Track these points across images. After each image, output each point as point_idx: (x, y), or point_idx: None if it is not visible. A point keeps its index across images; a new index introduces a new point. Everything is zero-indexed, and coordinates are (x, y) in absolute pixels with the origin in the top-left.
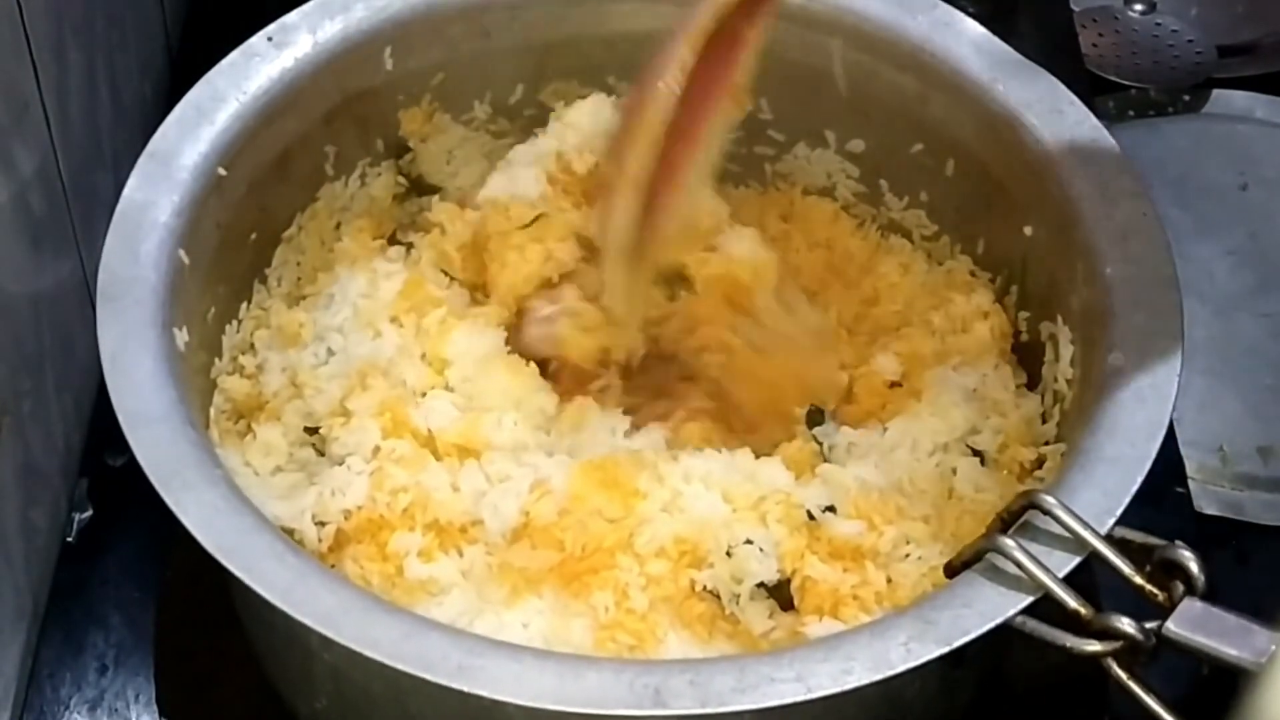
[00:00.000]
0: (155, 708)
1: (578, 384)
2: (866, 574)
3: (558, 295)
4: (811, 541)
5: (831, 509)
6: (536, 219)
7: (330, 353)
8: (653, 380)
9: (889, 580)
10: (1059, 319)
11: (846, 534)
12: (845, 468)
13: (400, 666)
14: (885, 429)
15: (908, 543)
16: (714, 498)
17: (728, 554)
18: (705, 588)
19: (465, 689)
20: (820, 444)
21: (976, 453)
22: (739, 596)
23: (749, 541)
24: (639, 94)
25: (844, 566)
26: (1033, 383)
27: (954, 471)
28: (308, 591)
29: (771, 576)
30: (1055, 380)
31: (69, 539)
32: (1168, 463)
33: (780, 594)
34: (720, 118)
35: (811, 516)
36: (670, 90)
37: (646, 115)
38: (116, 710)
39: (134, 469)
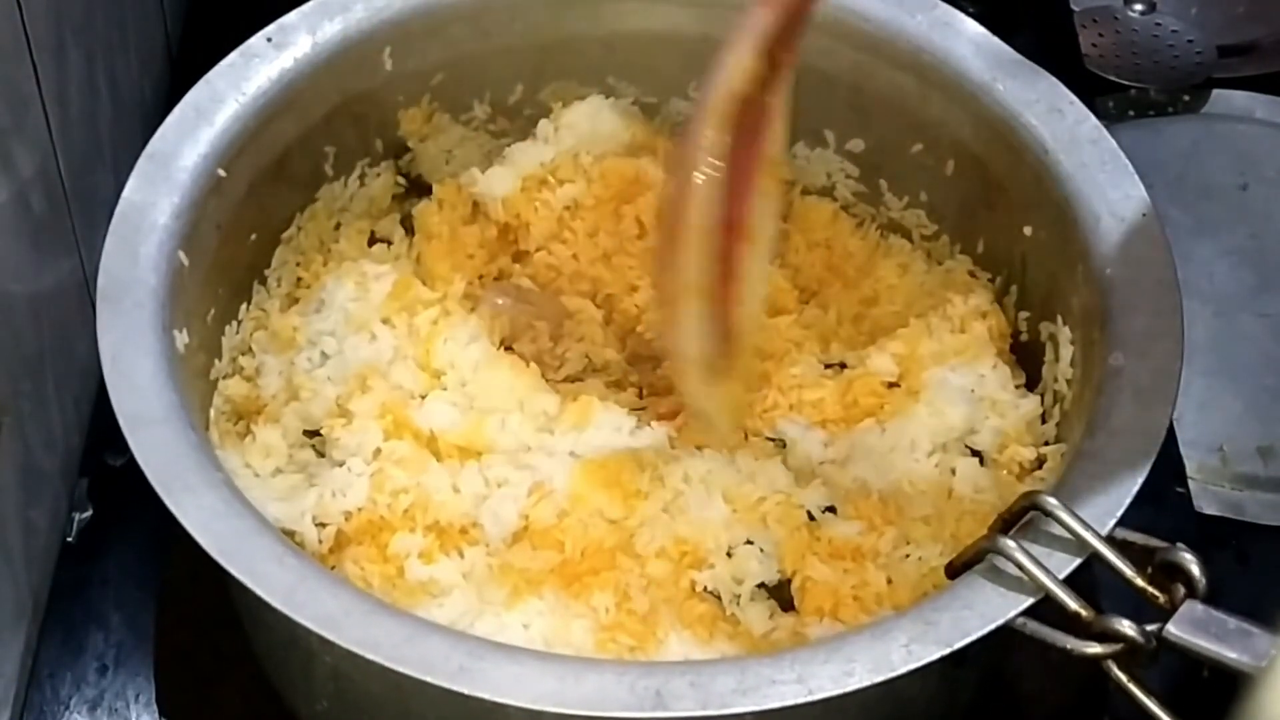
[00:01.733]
0: (155, 708)
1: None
2: (867, 574)
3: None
4: (812, 542)
5: (831, 510)
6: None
7: (324, 356)
8: (659, 378)
9: (889, 581)
10: (1059, 319)
11: (846, 534)
12: (844, 468)
13: (401, 669)
14: (884, 430)
15: (908, 543)
16: (714, 498)
17: (728, 555)
18: (706, 589)
19: (466, 691)
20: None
21: (976, 453)
22: (739, 597)
23: (749, 542)
24: (676, 189)
25: (844, 567)
26: (1032, 383)
27: (953, 472)
28: (308, 594)
29: (772, 577)
30: (1055, 380)
31: (69, 539)
32: (1168, 463)
33: (781, 594)
34: (764, 198)
35: (812, 517)
36: (708, 177)
37: (690, 212)
38: (116, 710)
39: (134, 469)
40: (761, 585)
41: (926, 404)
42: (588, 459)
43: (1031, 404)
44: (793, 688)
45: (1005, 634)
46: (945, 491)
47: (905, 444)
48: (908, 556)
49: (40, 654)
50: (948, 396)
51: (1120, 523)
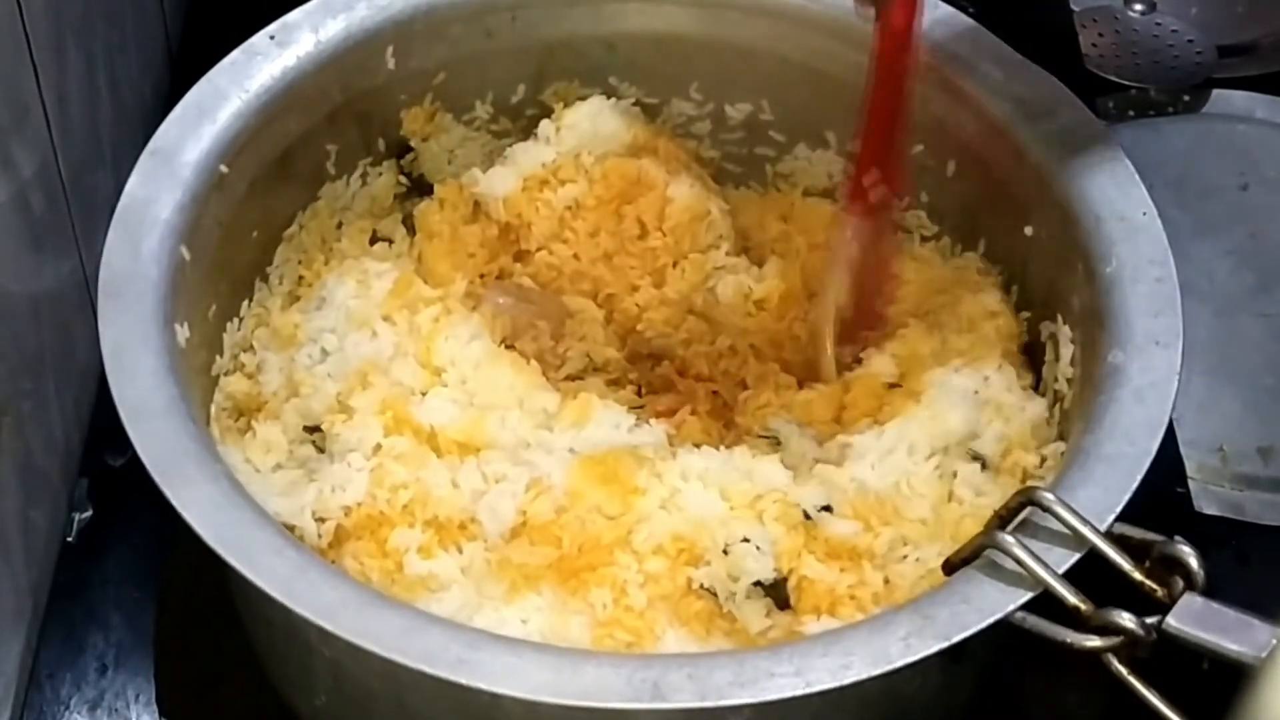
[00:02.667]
0: (155, 708)
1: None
2: (863, 574)
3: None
4: (808, 540)
5: (828, 509)
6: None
7: (325, 353)
8: (658, 377)
9: (886, 581)
10: (1059, 319)
11: (842, 534)
12: (842, 468)
13: (399, 659)
14: (882, 431)
15: (905, 544)
16: (711, 495)
17: (724, 552)
18: (703, 585)
19: (464, 682)
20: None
21: (978, 457)
22: (735, 595)
23: (746, 540)
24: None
25: (840, 566)
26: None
27: (954, 475)
28: (307, 585)
29: (768, 575)
30: (1055, 380)
31: (69, 539)
32: (1168, 463)
33: (777, 593)
34: None
35: (808, 516)
36: None
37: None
38: (116, 710)
39: (134, 469)
40: (758, 583)
41: (927, 407)
42: (585, 455)
43: (1038, 407)
44: (790, 680)
45: (1005, 630)
46: (945, 494)
47: (904, 446)
48: (905, 558)
49: (40, 654)
50: (949, 400)
51: (1120, 520)
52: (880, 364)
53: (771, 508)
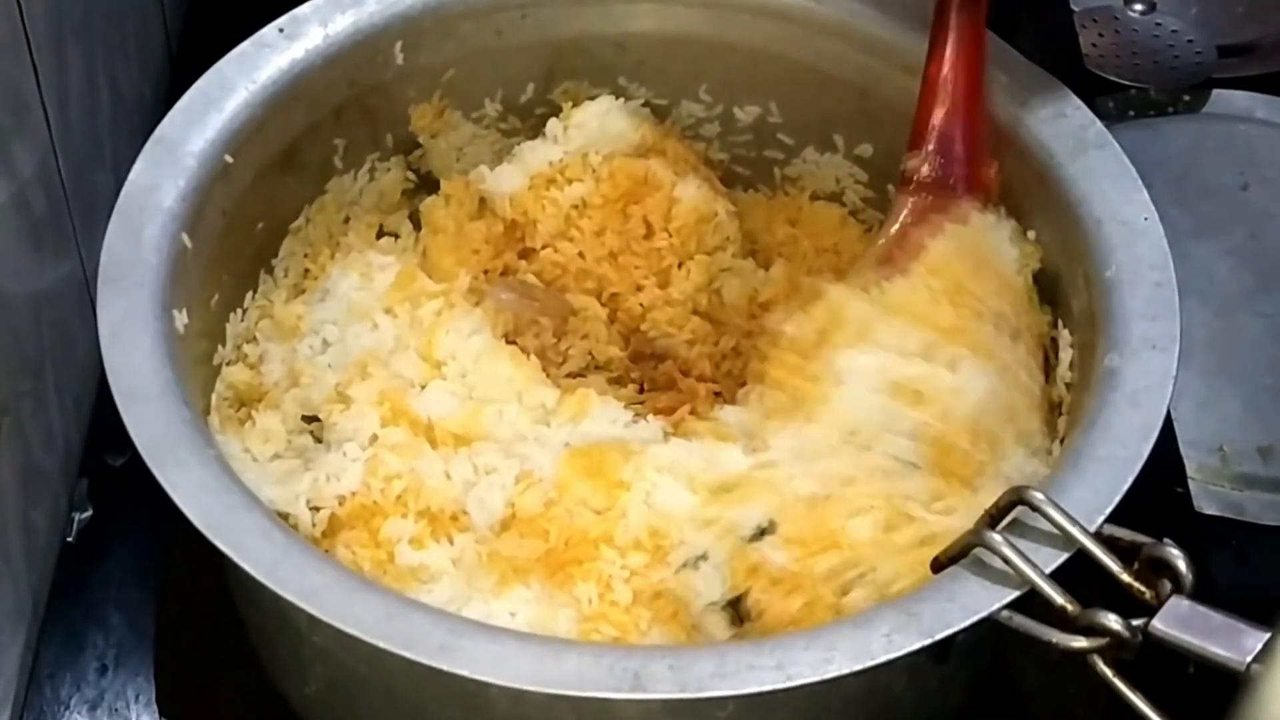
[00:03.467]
0: (155, 708)
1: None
2: (818, 590)
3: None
4: (759, 562)
5: (768, 529)
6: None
7: (326, 344)
8: (660, 375)
9: (845, 593)
10: (1059, 323)
11: (779, 562)
12: (779, 470)
13: (382, 644)
14: (804, 426)
15: (857, 564)
16: (679, 487)
17: (681, 568)
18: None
19: (445, 668)
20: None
21: (913, 466)
22: (693, 608)
23: (703, 558)
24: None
25: (790, 587)
26: None
27: (905, 498)
28: (293, 568)
29: (718, 596)
30: (1055, 384)
31: (69, 539)
32: (1168, 463)
33: (738, 606)
34: None
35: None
36: None
37: None
38: (116, 710)
39: (134, 469)
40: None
41: (823, 403)
42: (574, 447)
43: (982, 384)
44: (771, 674)
45: (995, 631)
46: (897, 511)
47: (827, 449)
48: (863, 575)
49: (40, 654)
50: (849, 392)
51: (1118, 523)
52: (800, 325)
53: (721, 522)
